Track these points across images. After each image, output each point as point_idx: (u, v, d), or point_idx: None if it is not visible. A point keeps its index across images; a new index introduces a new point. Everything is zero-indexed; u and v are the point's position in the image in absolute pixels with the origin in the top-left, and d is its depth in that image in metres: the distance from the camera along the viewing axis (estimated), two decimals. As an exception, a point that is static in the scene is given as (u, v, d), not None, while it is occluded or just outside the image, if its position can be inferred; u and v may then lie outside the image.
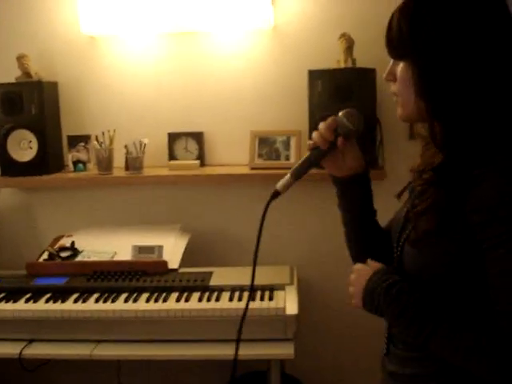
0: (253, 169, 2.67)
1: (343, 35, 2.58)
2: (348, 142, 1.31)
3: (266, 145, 2.71)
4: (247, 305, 1.43)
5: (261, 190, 2.81)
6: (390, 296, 1.14)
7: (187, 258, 2.50)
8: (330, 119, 1.30)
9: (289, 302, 2.18)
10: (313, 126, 2.57)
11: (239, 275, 2.38)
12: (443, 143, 1.12)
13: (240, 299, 2.21)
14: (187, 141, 2.76)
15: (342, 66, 2.58)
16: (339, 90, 2.53)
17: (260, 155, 2.71)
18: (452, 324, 1.06)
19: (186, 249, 2.53)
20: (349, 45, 2.59)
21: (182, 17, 2.61)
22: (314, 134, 1.31)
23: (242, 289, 2.29)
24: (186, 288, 2.31)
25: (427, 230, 1.11)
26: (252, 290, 1.44)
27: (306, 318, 2.42)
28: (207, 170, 2.70)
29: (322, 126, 1.30)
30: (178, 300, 2.22)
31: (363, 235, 1.43)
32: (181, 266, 2.46)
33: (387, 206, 2.70)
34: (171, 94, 2.75)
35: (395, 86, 1.20)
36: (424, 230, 1.12)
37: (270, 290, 2.29)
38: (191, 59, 2.72)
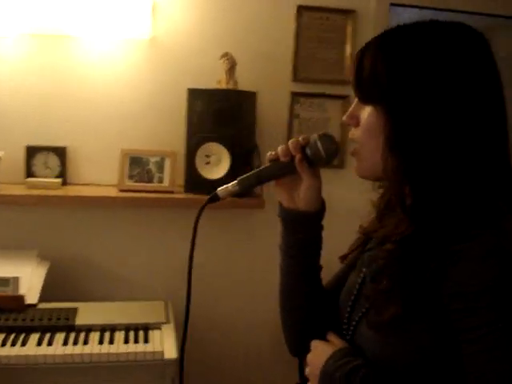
0: (122, 191, 2.44)
1: (225, 55, 2.45)
2: (310, 169, 1.13)
3: (137, 165, 2.49)
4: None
5: (130, 214, 2.63)
6: (352, 383, 0.99)
7: (47, 291, 2.21)
8: (302, 137, 1.14)
9: (167, 344, 2.00)
10: (191, 148, 2.42)
11: (108, 312, 2.16)
12: (413, 210, 0.98)
13: (112, 341, 1.99)
14: (48, 156, 2.45)
15: (224, 86, 2.45)
16: (220, 112, 2.40)
17: (131, 176, 2.49)
18: None
19: (44, 280, 2.23)
20: (231, 65, 2.46)
21: (47, 17, 2.32)
22: (279, 148, 1.14)
23: (113, 328, 2.07)
24: (47, 328, 2.03)
25: (394, 315, 0.96)
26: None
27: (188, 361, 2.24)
28: (70, 190, 2.41)
29: (291, 140, 1.13)
30: (39, 343, 1.94)
31: (303, 291, 1.22)
32: (40, 300, 2.17)
33: (267, 237, 2.61)
34: (30, 102, 2.43)
35: (356, 131, 1.07)
36: (390, 316, 0.96)
37: (145, 329, 2.09)
38: (57, 65, 2.43)
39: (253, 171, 1.18)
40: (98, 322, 2.08)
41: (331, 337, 1.13)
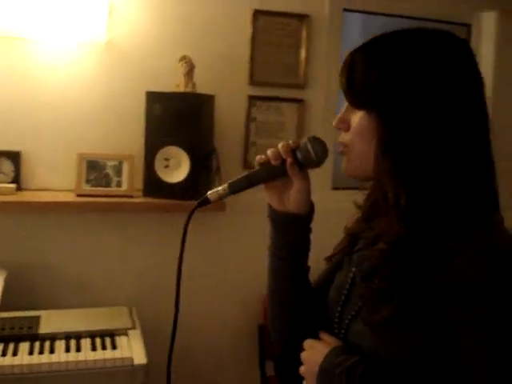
0: (79, 196, 2.40)
1: (183, 58, 2.45)
2: (300, 173, 1.13)
3: (94, 169, 2.45)
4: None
5: (88, 219, 2.58)
6: (352, 379, 1.01)
7: (6, 300, 2.14)
8: (292, 141, 1.13)
9: (135, 350, 1.98)
10: (150, 151, 2.40)
11: (72, 319, 2.12)
12: (408, 211, 1.00)
13: (78, 349, 1.95)
14: (1, 161, 2.38)
15: (182, 89, 2.45)
16: (179, 115, 2.39)
17: (88, 181, 2.44)
18: None
19: (3, 289, 2.16)
20: (189, 68, 2.46)
21: (2, 19, 2.25)
22: (268, 150, 1.14)
23: (78, 336, 2.03)
24: (11, 337, 1.97)
25: (389, 314, 0.98)
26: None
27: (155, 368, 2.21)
28: (26, 196, 2.35)
29: (281, 143, 1.13)
30: (3, 353, 1.89)
31: (293, 291, 1.22)
32: (0, 310, 2.10)
33: (229, 240, 2.62)
34: (-19, 105, 2.36)
35: (347, 135, 1.08)
36: (385, 315, 0.98)
37: (111, 336, 2.06)
38: (11, 68, 2.36)
39: (243, 174, 1.18)
40: (63, 330, 2.04)
41: (324, 336, 1.14)
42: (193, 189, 2.44)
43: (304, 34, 2.66)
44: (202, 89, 2.46)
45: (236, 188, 1.16)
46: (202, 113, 2.43)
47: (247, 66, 2.62)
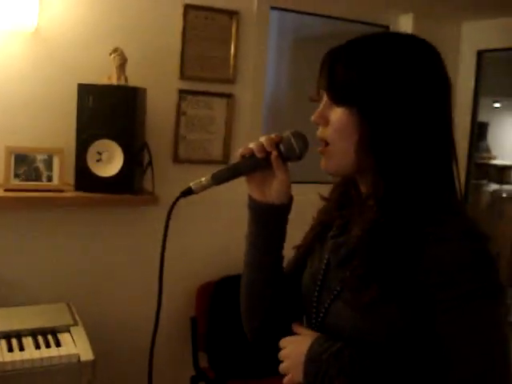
0: (8, 190, 2.31)
1: (115, 50, 2.42)
2: (283, 165, 1.19)
3: (23, 163, 2.37)
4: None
5: (18, 215, 2.48)
6: (340, 361, 1.06)
7: None
8: (275, 134, 1.18)
9: (81, 346, 1.95)
10: (81, 145, 2.36)
11: (10, 318, 2.07)
12: (386, 201, 1.08)
13: (22, 348, 1.89)
14: None
15: (115, 82, 2.42)
16: (112, 108, 2.37)
17: (17, 175, 2.35)
18: None
19: None
20: (122, 62, 2.44)
21: None
22: (252, 143, 1.18)
23: (18, 334, 1.97)
24: None
25: (372, 296, 1.05)
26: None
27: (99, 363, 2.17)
28: (-50, 191, 2.24)
29: (264, 137, 1.18)
30: None
31: (269, 280, 1.27)
32: None
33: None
34: None
35: (326, 131, 1.14)
36: (368, 298, 1.05)
37: (53, 333, 2.01)
38: None
39: (226, 166, 1.22)
40: (2, 329, 1.96)
41: (300, 329, 1.19)
42: (126, 183, 2.42)
43: (234, 29, 2.70)
44: (132, 82, 2.45)
45: (219, 179, 1.20)
46: (135, 106, 2.41)
47: (178, 60, 2.63)
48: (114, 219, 2.56)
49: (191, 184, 1.19)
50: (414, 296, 1.04)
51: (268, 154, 1.18)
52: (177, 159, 2.69)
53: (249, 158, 1.20)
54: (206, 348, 2.63)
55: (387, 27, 3.06)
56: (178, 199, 1.20)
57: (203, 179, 1.20)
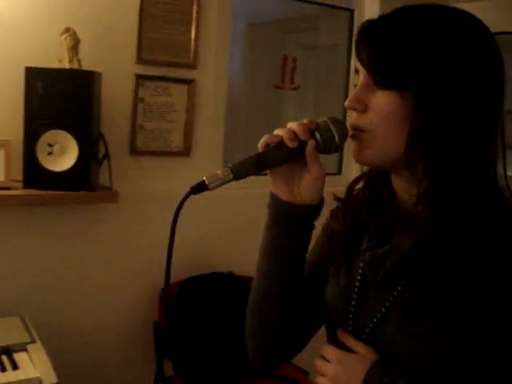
0: None
1: (67, 31, 2.17)
2: (317, 157, 0.99)
3: (-37, 157, 2.09)
4: None
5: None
6: None
7: None
8: (308, 119, 0.99)
9: (41, 368, 1.71)
10: (30, 136, 2.10)
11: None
12: (437, 205, 0.91)
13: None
14: None
15: (67, 66, 2.17)
16: (64, 95, 2.12)
17: (-45, 171, 2.07)
18: None
19: None
20: (74, 43, 2.18)
21: None
22: (279, 130, 0.99)
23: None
24: None
25: (434, 326, 0.89)
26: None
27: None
28: None
29: (295, 123, 0.98)
30: None
31: (292, 294, 1.07)
32: None
33: (121, 232, 2.40)
34: None
35: (365, 117, 0.96)
36: (431, 327, 0.89)
37: (7, 353, 1.76)
38: None
39: (249, 156, 1.00)
40: None
41: (352, 341, 1.01)
42: (82, 178, 2.19)
43: (194, 11, 2.48)
44: (85, 66, 2.20)
45: (241, 173, 0.98)
46: (90, 92, 2.17)
47: (135, 42, 2.39)
48: (69, 219, 2.32)
49: (205, 178, 0.97)
50: (484, 317, 0.89)
51: (301, 143, 0.98)
52: (134, 151, 2.46)
53: (277, 147, 0.99)
54: (171, 355, 2.43)
55: (351, 10, 2.92)
56: (187, 197, 0.96)
57: (219, 172, 0.97)
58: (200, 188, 0.96)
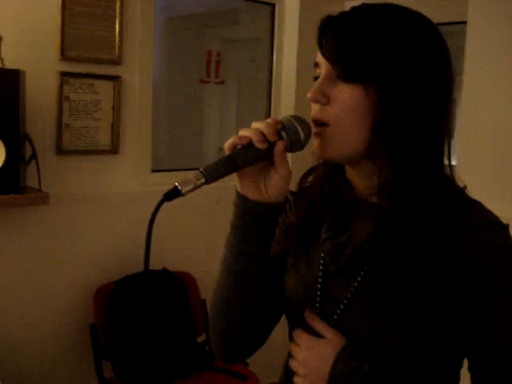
0: None
1: (-13, 27, 2.08)
2: (286, 157, 0.99)
3: None
4: None
5: None
6: None
7: None
8: (271, 119, 0.99)
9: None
10: None
11: None
12: (398, 192, 0.95)
13: None
14: None
15: (-11, 65, 2.09)
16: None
17: None
18: None
19: None
20: (-5, 40, 2.10)
21: None
22: (246, 131, 0.97)
23: None
24: None
25: (397, 306, 0.94)
26: None
27: None
28: None
29: (262, 123, 0.97)
30: None
31: (259, 292, 1.08)
32: None
33: (53, 235, 2.35)
34: None
35: (328, 110, 0.97)
36: (394, 307, 0.94)
37: None
38: None
39: (218, 159, 0.98)
40: None
41: (320, 325, 1.03)
42: (10, 181, 2.11)
43: (117, 5, 2.44)
44: (7, 64, 2.13)
45: (213, 176, 0.96)
46: (14, 92, 2.10)
47: (58, 38, 2.33)
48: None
49: (177, 183, 0.94)
50: (442, 297, 0.94)
51: (271, 144, 0.98)
52: (60, 150, 2.40)
53: (246, 149, 0.98)
54: (109, 356, 2.40)
55: (272, 5, 2.96)
56: (160, 204, 0.93)
57: (192, 177, 0.94)
58: (173, 194, 0.94)
